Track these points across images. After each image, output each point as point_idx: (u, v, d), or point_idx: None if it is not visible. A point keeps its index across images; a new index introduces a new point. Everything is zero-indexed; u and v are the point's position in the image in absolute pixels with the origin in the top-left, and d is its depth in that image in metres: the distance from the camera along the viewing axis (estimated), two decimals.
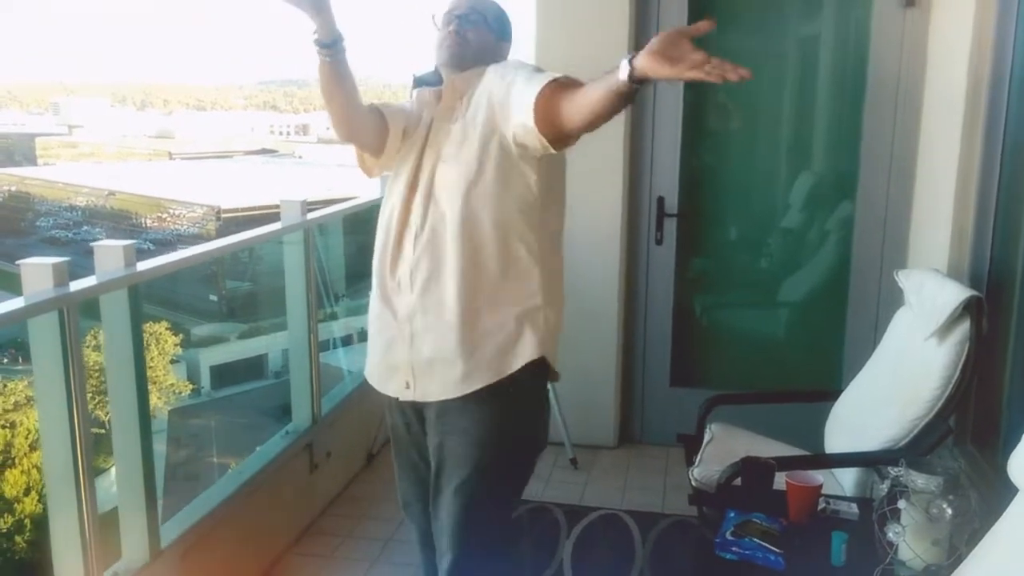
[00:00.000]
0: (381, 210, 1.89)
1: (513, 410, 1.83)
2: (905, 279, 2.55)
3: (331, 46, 1.70)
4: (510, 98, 1.68)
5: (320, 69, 1.74)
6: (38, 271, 1.91)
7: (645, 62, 1.42)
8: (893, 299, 2.73)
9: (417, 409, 1.89)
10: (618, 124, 3.46)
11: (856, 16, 3.46)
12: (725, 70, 1.40)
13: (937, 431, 2.21)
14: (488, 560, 1.87)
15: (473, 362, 1.77)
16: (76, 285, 1.96)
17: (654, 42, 1.42)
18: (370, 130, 1.87)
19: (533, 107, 1.61)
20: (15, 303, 1.83)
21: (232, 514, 2.56)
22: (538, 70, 1.72)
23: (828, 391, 2.76)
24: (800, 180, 3.73)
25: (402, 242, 1.81)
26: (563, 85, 1.63)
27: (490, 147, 1.73)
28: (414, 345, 1.81)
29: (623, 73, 1.44)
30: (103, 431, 2.35)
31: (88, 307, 2.06)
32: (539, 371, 1.85)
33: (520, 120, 1.65)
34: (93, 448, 1.99)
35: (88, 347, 2.17)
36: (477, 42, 1.84)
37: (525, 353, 1.80)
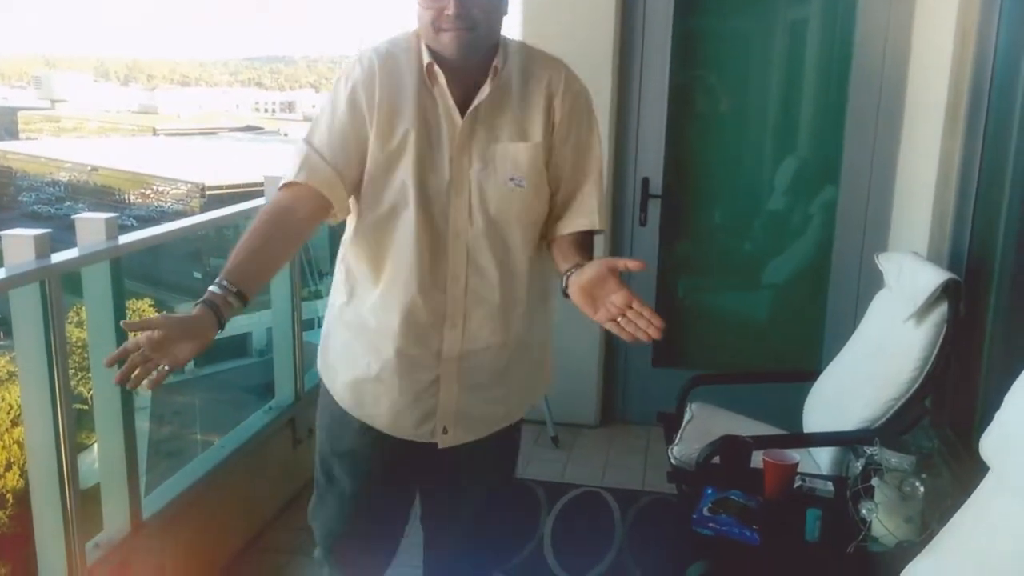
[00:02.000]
0: (384, 219, 1.55)
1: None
2: (885, 262, 2.58)
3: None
4: (572, 199, 1.60)
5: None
6: (19, 242, 1.90)
7: (574, 292, 1.44)
8: (874, 282, 2.76)
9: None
10: (603, 103, 3.46)
11: (843, 1, 3.47)
12: (639, 327, 1.35)
13: (913, 411, 2.24)
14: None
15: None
16: (58, 257, 1.95)
17: (585, 274, 1.41)
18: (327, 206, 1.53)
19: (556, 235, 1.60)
20: None
21: (215, 487, 2.57)
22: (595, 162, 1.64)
23: (808, 372, 2.79)
24: (785, 163, 3.76)
25: (445, 262, 1.56)
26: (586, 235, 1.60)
27: (542, 174, 1.57)
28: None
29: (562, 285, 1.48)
30: (86, 407, 2.35)
31: (71, 283, 2.05)
32: None
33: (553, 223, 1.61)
34: (76, 422, 2.00)
35: (71, 323, 2.16)
36: (487, 15, 1.47)
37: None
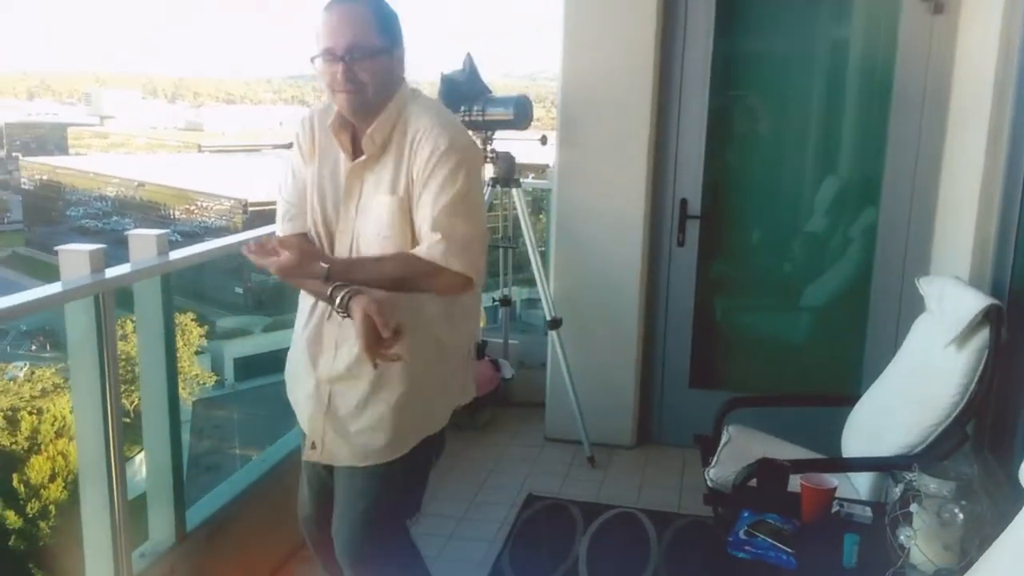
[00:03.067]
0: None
1: None
2: (926, 286, 2.56)
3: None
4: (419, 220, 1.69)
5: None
6: (75, 257, 1.97)
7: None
8: (915, 305, 2.74)
9: None
10: (642, 125, 3.49)
11: (884, 21, 3.46)
12: None
13: (953, 438, 2.21)
14: None
15: None
16: (112, 272, 2.02)
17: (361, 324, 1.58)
18: None
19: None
20: (53, 288, 1.89)
21: (257, 499, 2.62)
22: (445, 184, 1.66)
23: (847, 395, 2.77)
24: (825, 184, 3.74)
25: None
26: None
27: (406, 224, 1.70)
28: None
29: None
30: (128, 420, 2.42)
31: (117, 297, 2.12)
32: None
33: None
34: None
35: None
36: (374, 78, 1.63)
37: None
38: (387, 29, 1.65)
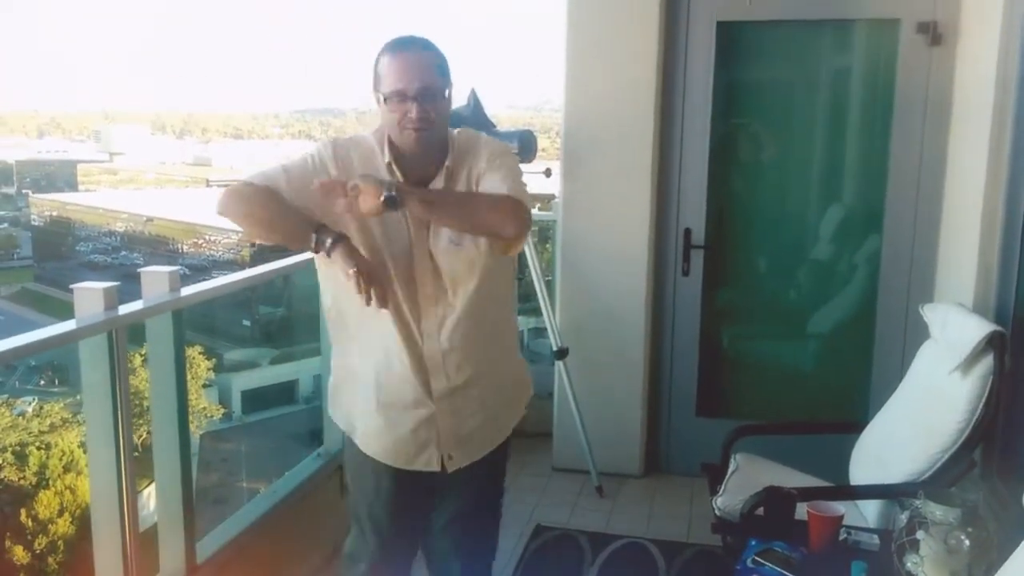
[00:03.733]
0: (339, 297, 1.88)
1: None
2: (930, 313, 2.57)
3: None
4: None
5: (301, 242, 1.74)
6: (90, 295, 2.01)
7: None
8: (920, 332, 2.75)
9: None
10: (645, 155, 3.54)
11: (883, 51, 3.50)
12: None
13: (960, 464, 2.22)
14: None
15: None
16: (125, 309, 2.06)
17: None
18: None
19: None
20: (68, 325, 1.93)
21: (266, 532, 2.64)
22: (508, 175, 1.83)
23: (854, 423, 2.78)
24: (828, 212, 3.77)
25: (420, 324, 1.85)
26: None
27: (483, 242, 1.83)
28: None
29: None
30: (137, 453, 2.44)
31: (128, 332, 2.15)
32: None
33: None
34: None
35: None
36: (439, 116, 1.78)
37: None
38: (447, 72, 1.80)
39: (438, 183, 1.82)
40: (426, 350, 1.85)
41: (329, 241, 1.69)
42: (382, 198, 1.59)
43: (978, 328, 2.24)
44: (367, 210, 1.62)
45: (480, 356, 1.89)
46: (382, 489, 1.98)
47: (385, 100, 1.75)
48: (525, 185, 1.85)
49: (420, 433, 1.89)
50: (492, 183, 1.81)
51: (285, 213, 1.73)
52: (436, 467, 1.92)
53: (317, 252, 1.72)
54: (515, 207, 1.73)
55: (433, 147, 1.81)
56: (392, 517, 2.01)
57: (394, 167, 1.80)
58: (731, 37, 3.56)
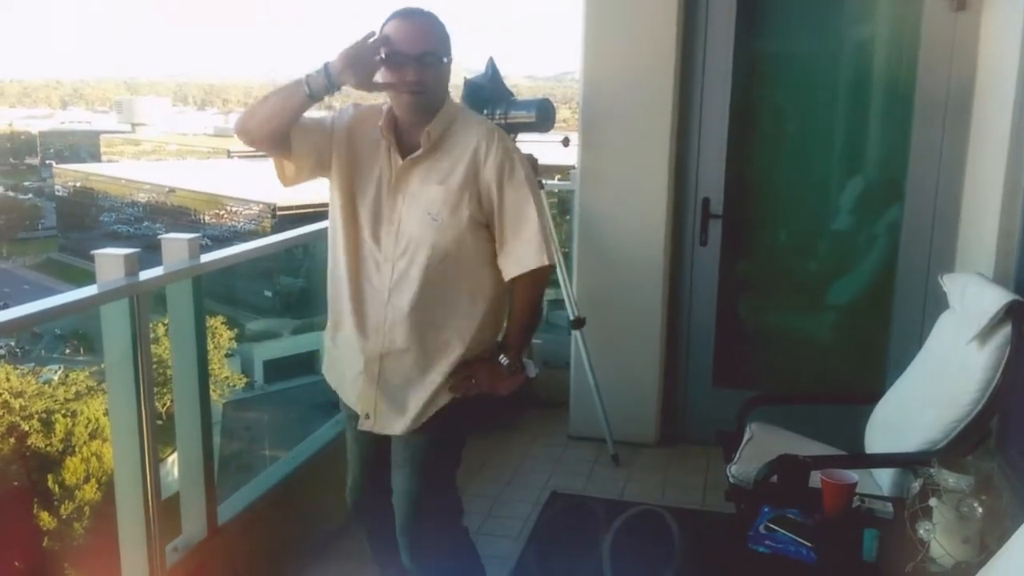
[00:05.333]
0: (337, 234, 1.98)
1: None
2: (949, 282, 2.56)
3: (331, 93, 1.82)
4: (506, 242, 1.94)
5: (297, 97, 1.80)
6: (111, 261, 2.04)
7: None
8: (939, 302, 2.73)
9: None
10: (663, 124, 3.51)
11: (907, 19, 3.45)
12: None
13: (975, 433, 2.22)
14: None
15: None
16: (145, 275, 2.08)
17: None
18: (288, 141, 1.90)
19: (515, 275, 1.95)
20: (89, 290, 1.96)
21: (287, 495, 2.69)
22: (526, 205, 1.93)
23: (870, 393, 2.77)
24: (849, 183, 3.74)
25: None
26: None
27: (466, 218, 1.90)
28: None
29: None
30: (160, 422, 2.49)
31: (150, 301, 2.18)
32: None
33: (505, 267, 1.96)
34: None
35: None
36: (435, 82, 1.87)
37: None
38: (446, 41, 1.89)
39: (419, 152, 1.89)
40: (370, 305, 1.94)
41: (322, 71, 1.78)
42: (504, 371, 1.96)
43: (997, 298, 2.23)
44: (506, 389, 1.97)
45: (424, 323, 1.94)
46: (348, 427, 2.13)
47: (386, 60, 1.82)
48: (541, 187, 1.95)
49: (352, 387, 2.02)
50: (516, 209, 1.91)
51: (277, 91, 1.83)
52: (363, 423, 2.01)
53: (313, 96, 1.79)
54: (545, 274, 1.95)
55: (426, 115, 1.88)
56: (354, 455, 2.17)
57: (385, 131, 1.90)
58: (752, 6, 3.52)
